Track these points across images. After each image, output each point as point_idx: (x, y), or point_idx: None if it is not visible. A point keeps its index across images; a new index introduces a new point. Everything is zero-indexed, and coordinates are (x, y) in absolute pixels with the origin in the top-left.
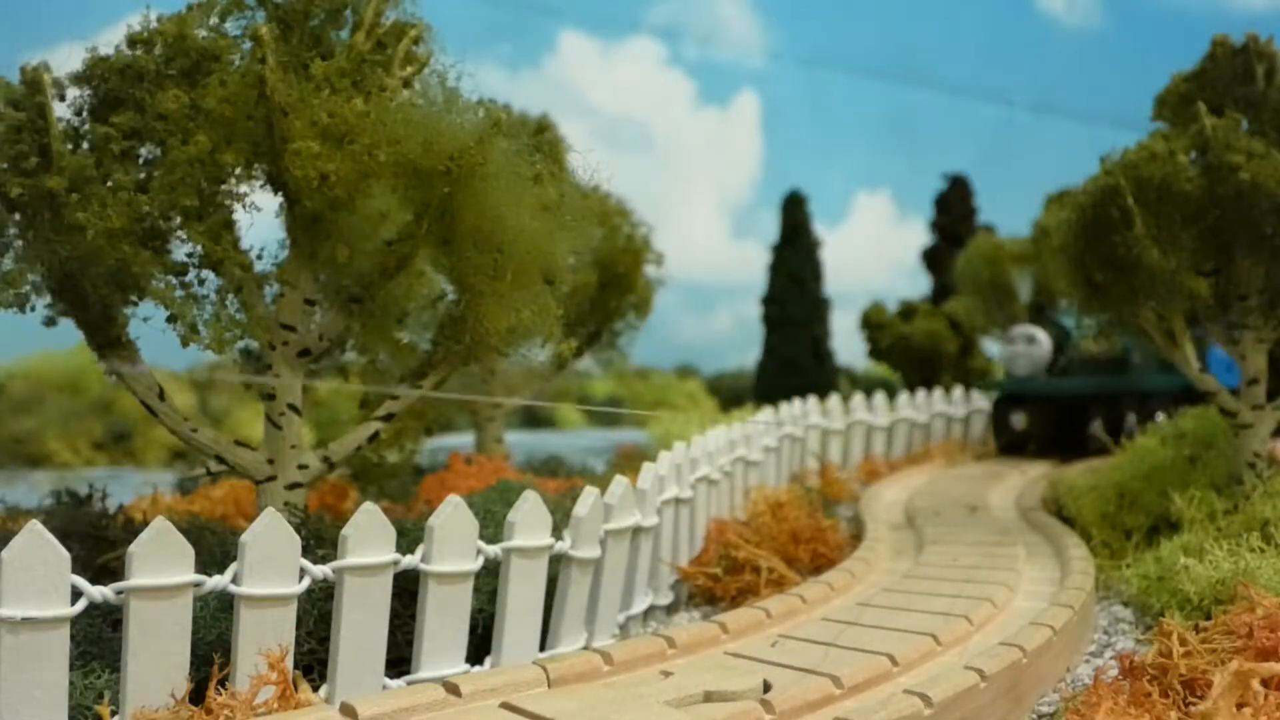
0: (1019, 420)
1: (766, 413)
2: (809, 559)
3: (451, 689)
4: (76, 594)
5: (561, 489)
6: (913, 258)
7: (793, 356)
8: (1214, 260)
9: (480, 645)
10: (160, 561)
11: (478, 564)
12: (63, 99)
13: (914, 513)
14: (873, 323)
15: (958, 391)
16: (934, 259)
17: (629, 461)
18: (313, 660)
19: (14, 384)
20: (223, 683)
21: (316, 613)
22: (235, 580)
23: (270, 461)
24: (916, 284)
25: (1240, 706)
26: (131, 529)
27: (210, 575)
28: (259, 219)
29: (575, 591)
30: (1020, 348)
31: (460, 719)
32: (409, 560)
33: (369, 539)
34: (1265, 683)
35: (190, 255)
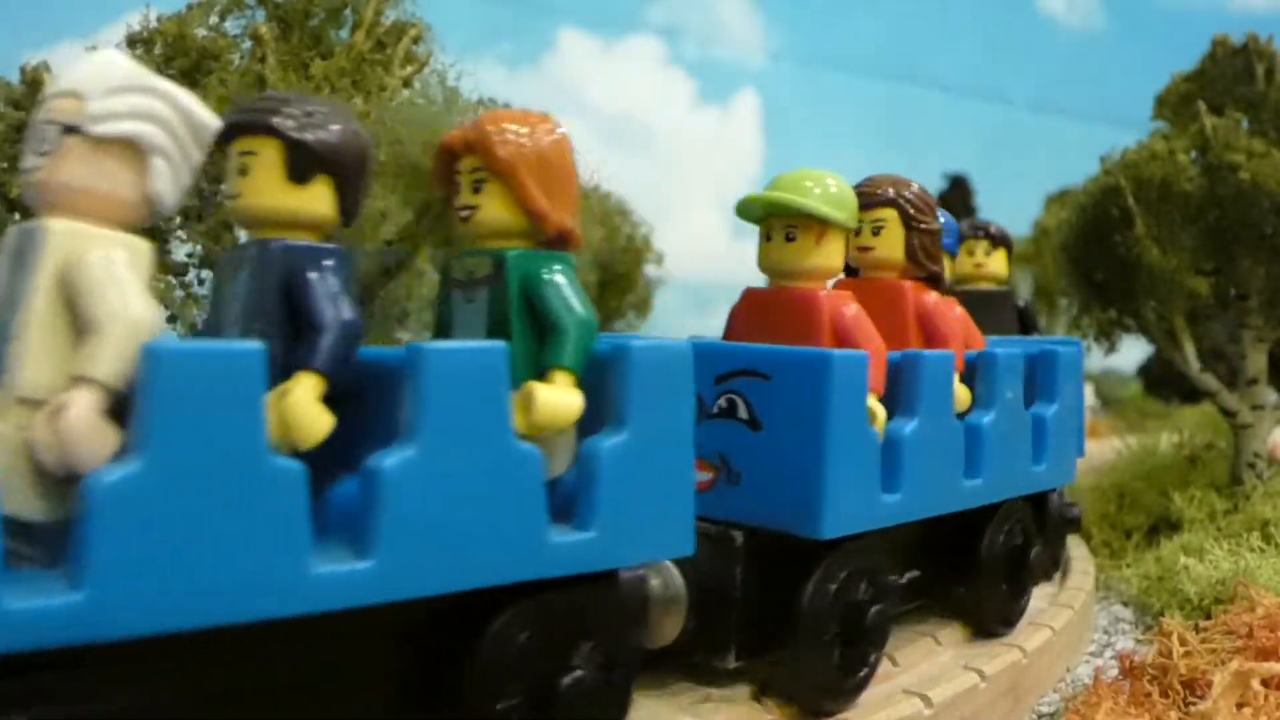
0: None
1: None
2: None
3: None
4: None
5: None
6: None
7: None
8: (1214, 260)
9: None
10: None
11: None
12: None
13: None
14: None
15: None
16: None
17: None
18: None
19: None
20: None
21: None
22: None
23: None
24: None
25: (1240, 706)
26: None
27: None
28: None
29: None
30: None
31: None
32: None
33: None
34: (1265, 682)
35: (190, 255)
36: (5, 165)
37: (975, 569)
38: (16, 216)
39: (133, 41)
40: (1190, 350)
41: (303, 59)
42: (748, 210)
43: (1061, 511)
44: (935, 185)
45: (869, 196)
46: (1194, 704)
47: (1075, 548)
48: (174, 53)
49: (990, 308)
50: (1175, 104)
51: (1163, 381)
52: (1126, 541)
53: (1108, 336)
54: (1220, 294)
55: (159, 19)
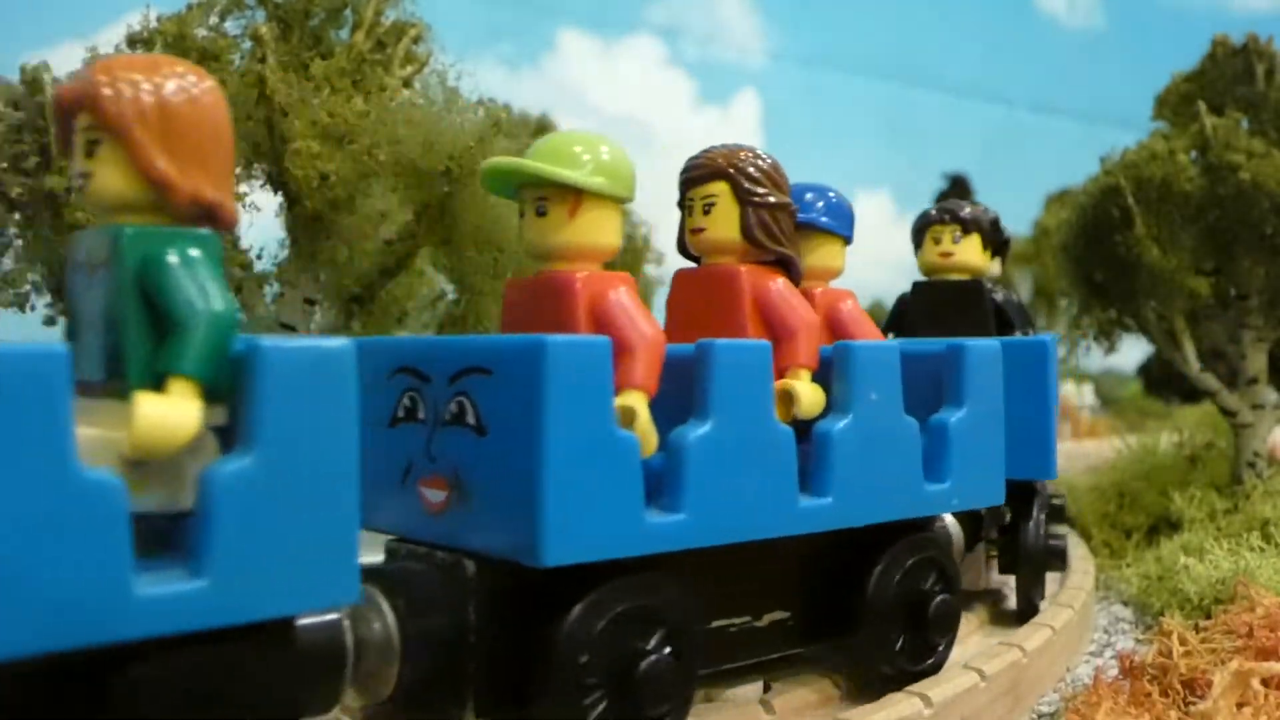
0: None
1: None
2: None
3: None
4: None
5: None
6: (912, 257)
7: None
8: (1214, 260)
9: None
10: None
11: None
12: None
13: None
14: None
15: None
16: None
17: None
18: None
19: None
20: None
21: None
22: None
23: None
24: None
25: (1240, 706)
26: None
27: None
28: (259, 219)
29: None
30: None
31: None
32: None
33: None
34: (1265, 682)
35: None
36: (5, 165)
37: (857, 615)
38: (16, 216)
39: (133, 41)
40: (1190, 350)
41: (303, 59)
42: (491, 182)
43: (1040, 543)
44: (935, 185)
45: (697, 170)
46: (1194, 704)
47: (1075, 547)
48: (174, 53)
49: (957, 302)
50: (1175, 104)
51: (1163, 381)
52: (1126, 541)
53: (1108, 336)
54: (1220, 294)
55: (159, 19)
